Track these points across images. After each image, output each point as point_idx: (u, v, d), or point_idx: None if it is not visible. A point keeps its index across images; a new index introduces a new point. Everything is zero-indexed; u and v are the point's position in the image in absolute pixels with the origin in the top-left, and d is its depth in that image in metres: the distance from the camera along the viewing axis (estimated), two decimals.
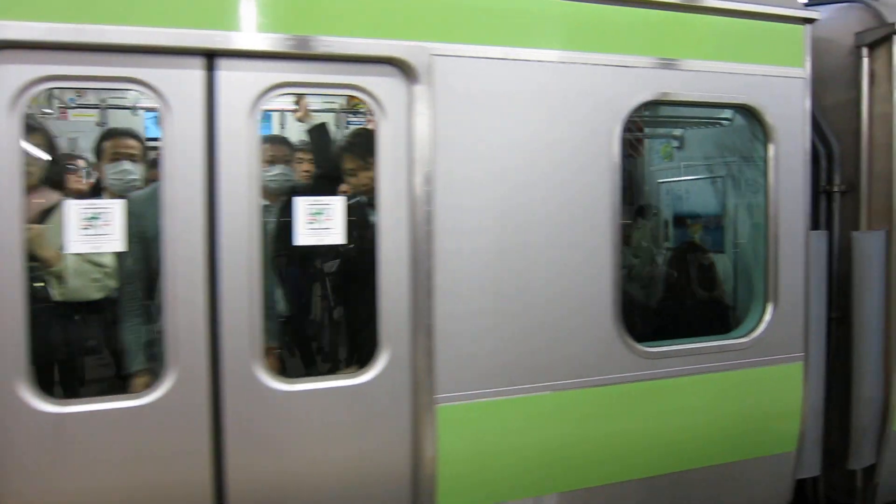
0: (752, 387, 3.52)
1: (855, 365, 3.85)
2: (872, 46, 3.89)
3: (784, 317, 3.53)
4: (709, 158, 4.57)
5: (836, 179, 3.99)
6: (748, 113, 3.53)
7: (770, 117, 3.47)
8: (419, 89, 2.89)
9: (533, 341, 3.08)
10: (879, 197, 3.87)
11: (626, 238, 4.62)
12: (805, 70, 3.55)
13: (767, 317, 3.52)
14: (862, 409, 3.87)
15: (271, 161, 3.43)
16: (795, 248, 3.55)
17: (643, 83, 3.21)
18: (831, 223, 4.01)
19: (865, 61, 3.90)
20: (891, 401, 3.87)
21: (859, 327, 3.83)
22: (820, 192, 4.03)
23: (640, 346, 3.25)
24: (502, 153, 3.01)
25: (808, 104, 3.56)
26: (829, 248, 3.93)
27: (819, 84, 4.11)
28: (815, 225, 4.02)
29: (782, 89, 3.50)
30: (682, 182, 4.81)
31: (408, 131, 2.91)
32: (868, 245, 3.82)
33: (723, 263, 4.32)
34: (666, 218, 4.90)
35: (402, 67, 2.90)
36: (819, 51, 4.13)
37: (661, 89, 3.25)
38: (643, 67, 3.21)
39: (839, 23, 4.06)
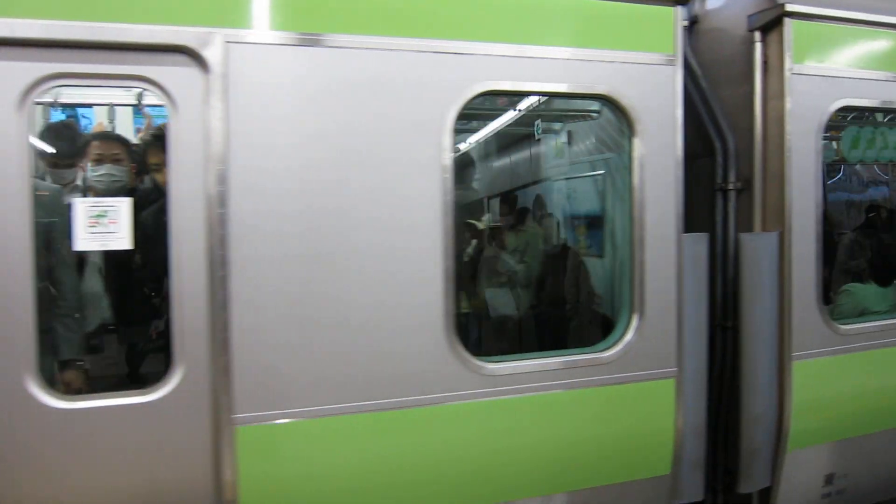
0: (617, 406, 3.21)
1: (744, 379, 3.53)
2: (765, 31, 3.55)
3: (651, 329, 3.21)
4: (589, 155, 4.25)
5: (732, 177, 3.67)
6: (612, 104, 3.21)
7: (633, 109, 3.15)
8: (212, 80, 2.63)
9: (349, 357, 2.80)
10: (774, 196, 3.54)
11: (502, 242, 4.31)
12: (676, 56, 3.22)
13: (632, 329, 3.20)
14: (752, 428, 3.55)
15: (98, 160, 3.19)
16: (665, 253, 3.23)
17: (478, 72, 2.92)
18: (727, 224, 3.69)
19: (758, 48, 3.57)
20: (785, 418, 3.54)
21: (748, 338, 3.51)
22: (716, 191, 3.71)
23: (477, 361, 2.96)
24: (309, 149, 2.73)
25: (679, 94, 3.23)
26: (720, 250, 3.61)
27: (716, 75, 3.80)
28: (711, 226, 3.71)
29: (648, 78, 3.18)
30: (570, 180, 4.48)
31: (202, 126, 2.65)
32: (758, 248, 3.49)
33: (598, 269, 4.01)
34: (558, 220, 4.58)
35: (193, 56, 2.64)
36: (716, 39, 3.83)
37: (500, 78, 2.95)
38: (477, 55, 2.91)
39: (736, 8, 3.73)
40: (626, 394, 3.20)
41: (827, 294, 4.23)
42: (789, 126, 3.46)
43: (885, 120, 3.98)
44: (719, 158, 3.68)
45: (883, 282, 4.09)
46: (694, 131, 3.61)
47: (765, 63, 3.55)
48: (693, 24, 3.95)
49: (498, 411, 3.00)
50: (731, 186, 3.65)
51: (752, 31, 3.56)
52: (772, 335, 3.52)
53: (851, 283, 4.06)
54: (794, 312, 3.50)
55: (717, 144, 3.68)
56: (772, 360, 3.53)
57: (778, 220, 3.50)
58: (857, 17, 3.58)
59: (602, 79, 3.11)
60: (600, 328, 3.88)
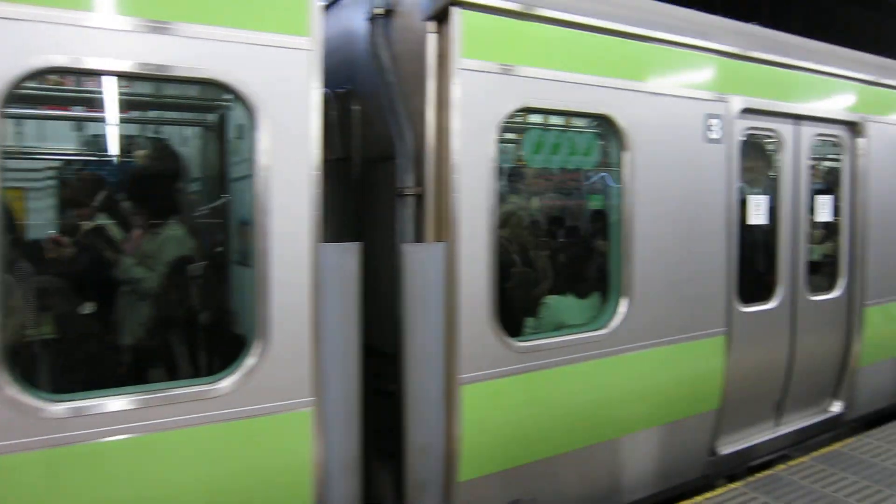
0: (235, 444, 2.74)
1: (407, 406, 3.19)
2: (439, 21, 3.22)
3: (278, 354, 2.77)
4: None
5: (409, 181, 3.31)
6: (227, 91, 2.72)
7: (254, 98, 2.69)
8: None
9: None
10: (444, 203, 3.22)
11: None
12: (312, 41, 2.79)
13: (253, 354, 2.75)
14: (418, 460, 3.22)
15: None
16: (296, 267, 2.80)
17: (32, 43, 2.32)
18: (406, 233, 3.33)
19: (431, 40, 3.23)
20: (454, 447, 3.24)
21: (411, 360, 3.17)
22: (396, 196, 3.35)
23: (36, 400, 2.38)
24: None
25: (315, 84, 2.81)
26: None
27: (403, 70, 3.44)
28: (390, 234, 3.35)
29: (274, 63, 2.72)
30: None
31: None
32: (422, 260, 3.15)
33: (235, 283, 3.54)
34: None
35: None
36: (405, 30, 3.45)
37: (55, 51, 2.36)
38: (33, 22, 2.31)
39: None
40: (247, 430, 2.74)
41: (527, 307, 4.05)
42: (459, 127, 3.15)
43: (569, 124, 3.79)
44: (399, 161, 3.32)
45: (580, 293, 3.92)
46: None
47: (440, 57, 3.22)
48: (389, 14, 3.57)
49: (68, 463, 2.44)
50: (408, 192, 3.30)
51: (425, 21, 3.22)
52: (438, 356, 3.20)
53: (551, 296, 3.88)
54: (463, 330, 3.20)
55: (397, 145, 3.32)
56: (438, 383, 3.22)
57: (448, 229, 3.19)
58: (537, 11, 3.33)
59: (213, 59, 2.61)
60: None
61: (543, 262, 4.12)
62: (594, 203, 4.14)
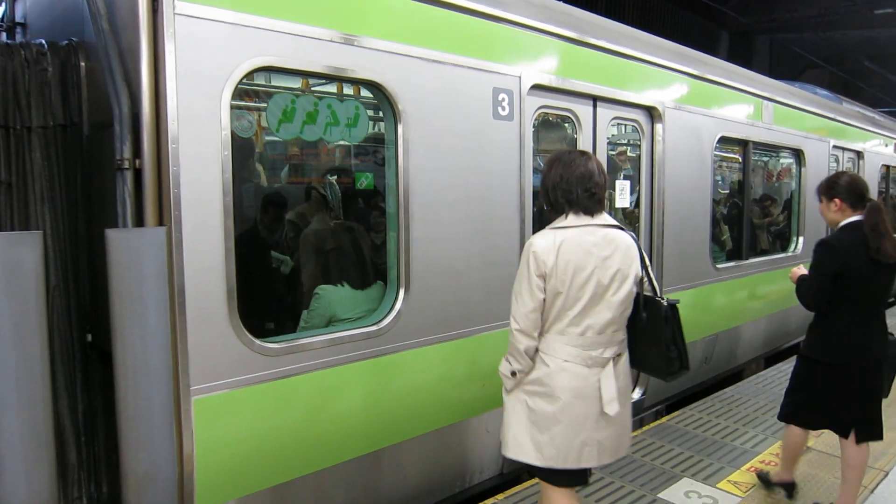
0: None
1: (122, 428, 2.59)
2: None
3: None
4: None
5: (125, 152, 2.69)
6: None
7: None
8: None
9: None
10: (163, 180, 2.65)
11: None
12: None
13: None
14: (139, 490, 2.64)
15: None
16: None
17: None
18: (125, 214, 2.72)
19: None
20: (186, 474, 2.69)
21: (124, 371, 2.57)
22: (116, 171, 2.72)
23: None
24: None
25: None
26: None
27: (115, 15, 2.81)
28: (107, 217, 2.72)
29: None
30: None
31: None
32: (132, 249, 2.57)
33: None
34: None
35: None
36: None
37: None
38: None
39: None
40: None
41: (287, 301, 3.57)
42: (177, 87, 2.59)
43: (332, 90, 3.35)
44: (115, 128, 2.70)
45: (355, 283, 3.49)
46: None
47: (154, 1, 2.64)
48: None
49: None
50: (124, 165, 2.69)
51: None
52: (162, 364, 2.63)
53: (323, 285, 3.41)
54: (193, 332, 2.66)
55: (114, 109, 2.70)
56: (164, 396, 2.65)
57: (168, 210, 2.63)
58: None
59: None
60: None
61: (307, 249, 3.62)
62: (366, 183, 3.72)
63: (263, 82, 3.27)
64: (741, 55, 16.35)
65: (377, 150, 3.45)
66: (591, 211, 2.68)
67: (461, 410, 3.78)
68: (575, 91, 4.38)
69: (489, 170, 3.75)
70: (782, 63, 18.19)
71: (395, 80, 3.23)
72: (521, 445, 2.73)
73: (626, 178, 5.92)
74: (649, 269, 2.82)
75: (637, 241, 2.78)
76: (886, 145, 10.91)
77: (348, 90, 3.49)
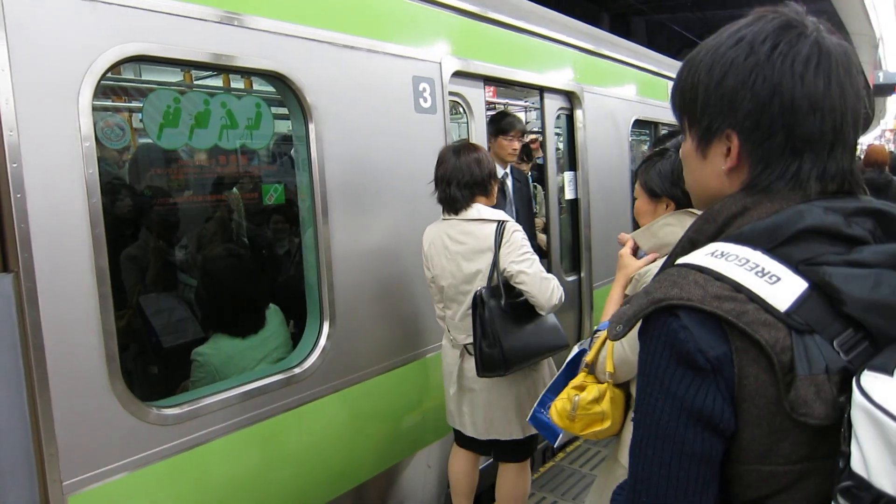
0: None
1: None
2: None
3: None
4: None
5: None
6: None
7: None
8: None
9: None
10: (7, 212, 1.97)
11: None
12: None
13: None
14: None
15: None
16: None
17: None
18: None
19: None
20: None
21: None
22: None
23: None
24: None
25: None
26: None
27: None
28: None
29: None
30: None
31: None
32: None
33: None
34: None
35: None
36: None
37: None
38: None
39: None
40: None
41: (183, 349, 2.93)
42: (16, 88, 1.91)
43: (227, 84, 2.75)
44: None
45: (243, 330, 2.84)
46: None
47: None
48: None
49: None
50: None
51: None
52: (17, 459, 1.97)
53: (201, 349, 2.73)
54: (60, 408, 2.02)
55: None
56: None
57: (13, 254, 1.96)
58: None
59: None
60: None
61: (205, 284, 2.98)
62: (275, 196, 3.11)
63: (134, 76, 2.60)
64: (620, 35, 16.65)
65: (286, 156, 2.86)
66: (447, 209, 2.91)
67: (402, 449, 3.31)
68: (493, 77, 3.96)
69: (416, 173, 3.24)
70: (659, 42, 18.78)
71: (302, 70, 2.66)
72: None
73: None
74: (499, 261, 2.79)
75: (500, 233, 2.80)
76: None
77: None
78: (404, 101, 3.20)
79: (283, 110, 3.08)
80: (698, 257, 0.95)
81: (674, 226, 2.02)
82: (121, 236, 2.89)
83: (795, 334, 0.86)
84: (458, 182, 2.85)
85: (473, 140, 3.72)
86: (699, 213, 1.08)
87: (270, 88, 2.96)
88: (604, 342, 1.99)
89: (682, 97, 1.06)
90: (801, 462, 0.88)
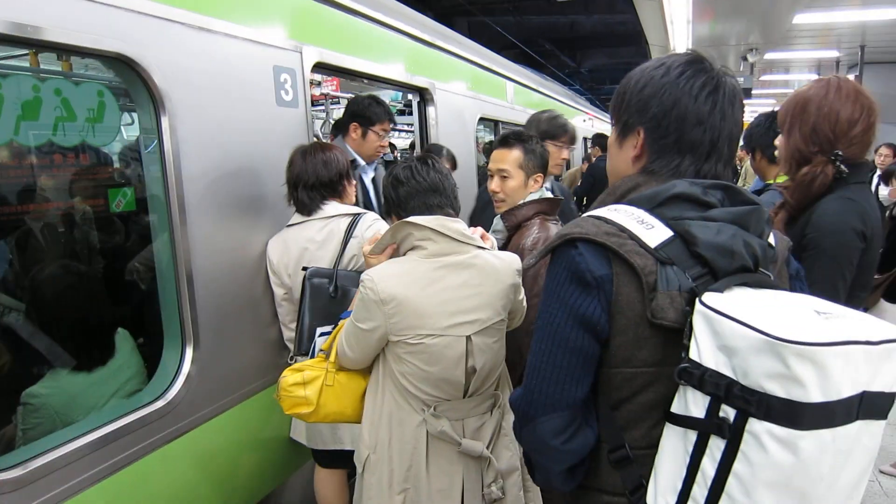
0: None
1: None
2: None
3: None
4: None
5: None
6: None
7: None
8: None
9: None
10: None
11: None
12: None
13: None
14: None
15: None
16: None
17: None
18: None
19: None
20: None
21: None
22: None
23: None
24: None
25: None
26: None
27: None
28: None
29: None
30: None
31: None
32: None
33: None
34: None
35: None
36: None
37: None
38: None
39: None
40: None
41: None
42: None
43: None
44: None
45: (89, 362, 2.39)
46: None
47: None
48: None
49: None
50: None
51: None
52: None
53: (34, 389, 2.24)
54: None
55: None
56: None
57: None
58: None
59: None
60: None
61: (37, 308, 2.45)
62: (124, 202, 2.65)
63: None
64: None
65: (132, 155, 2.44)
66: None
67: (277, 474, 3.02)
68: (352, 70, 3.75)
69: (279, 174, 2.94)
70: (481, 43, 19.45)
71: (152, 53, 2.28)
72: None
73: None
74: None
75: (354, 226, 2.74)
76: (584, 120, 12.23)
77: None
78: (265, 92, 2.90)
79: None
80: (597, 212, 1.25)
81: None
82: None
83: (660, 265, 1.16)
84: (305, 184, 2.71)
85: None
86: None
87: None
88: (339, 331, 2.15)
89: (616, 100, 1.39)
90: (656, 366, 1.18)
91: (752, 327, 0.98)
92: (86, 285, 2.36)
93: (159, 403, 2.30)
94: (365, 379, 2.16)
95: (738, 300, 1.07)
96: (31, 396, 2.18)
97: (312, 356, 2.28)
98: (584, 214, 1.27)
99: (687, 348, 1.08)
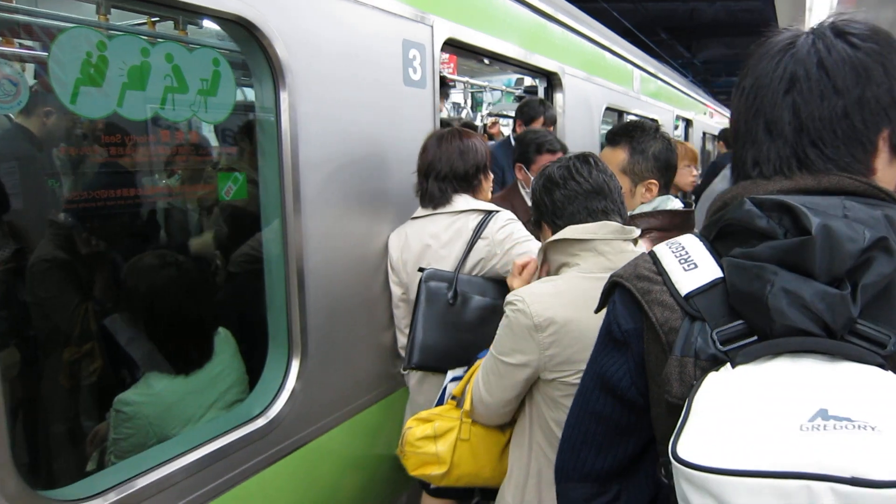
0: None
1: None
2: None
3: None
4: None
5: None
6: None
7: None
8: None
9: None
10: None
11: None
12: None
13: None
14: None
15: None
16: None
17: None
18: None
19: None
20: None
21: None
22: None
23: None
24: None
25: None
26: None
27: None
28: None
29: None
30: None
31: None
32: None
33: None
34: None
35: None
36: None
37: None
38: None
39: None
40: None
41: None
42: None
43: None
44: None
45: (185, 364, 2.09)
46: None
47: None
48: None
49: None
50: None
51: None
52: None
53: (125, 395, 1.98)
54: None
55: None
56: None
57: None
58: None
59: None
60: None
61: (131, 316, 2.15)
62: (234, 189, 2.34)
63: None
64: None
65: (247, 135, 2.14)
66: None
67: (385, 494, 2.71)
68: (482, 49, 3.36)
69: (405, 163, 2.58)
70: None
71: (274, 18, 1.96)
72: None
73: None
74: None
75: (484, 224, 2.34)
76: (705, 114, 11.37)
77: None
78: (393, 70, 2.55)
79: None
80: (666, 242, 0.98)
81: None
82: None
83: (688, 319, 0.88)
84: (438, 174, 2.37)
85: None
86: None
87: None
88: (474, 373, 1.79)
89: None
90: None
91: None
92: (183, 277, 2.08)
93: (260, 422, 2.01)
94: (505, 432, 1.77)
95: (742, 387, 0.77)
96: (124, 404, 1.94)
97: (441, 403, 1.91)
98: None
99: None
